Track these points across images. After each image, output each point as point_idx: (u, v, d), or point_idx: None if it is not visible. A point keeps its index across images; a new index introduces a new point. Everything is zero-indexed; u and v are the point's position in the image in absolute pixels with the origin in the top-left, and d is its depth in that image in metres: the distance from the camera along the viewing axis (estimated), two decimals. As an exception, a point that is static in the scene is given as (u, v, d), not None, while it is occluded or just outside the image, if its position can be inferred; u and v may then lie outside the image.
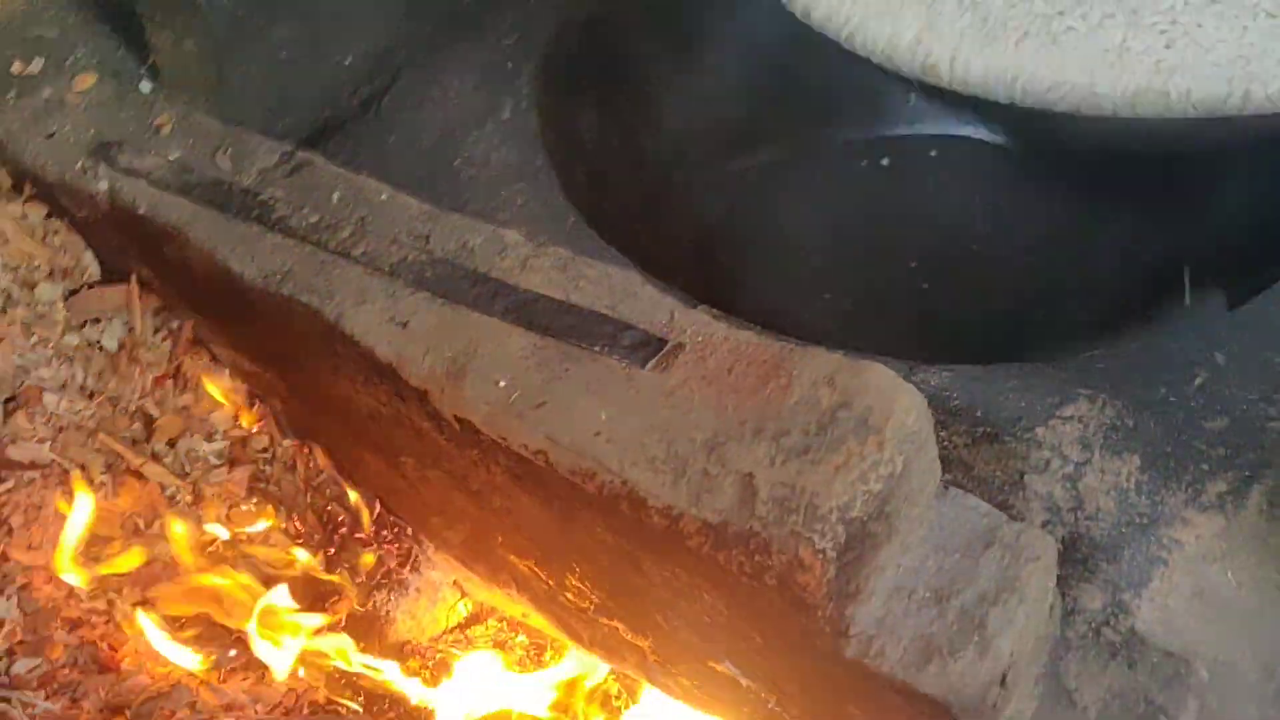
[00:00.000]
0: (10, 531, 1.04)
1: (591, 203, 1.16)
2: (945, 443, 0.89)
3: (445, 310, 0.87)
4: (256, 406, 1.19)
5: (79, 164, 1.09)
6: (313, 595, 1.14)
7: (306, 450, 1.19)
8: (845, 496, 0.68)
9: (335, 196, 0.98)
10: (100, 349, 1.15)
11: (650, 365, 0.78)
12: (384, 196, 0.97)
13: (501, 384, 0.81)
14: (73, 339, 1.14)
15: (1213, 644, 0.83)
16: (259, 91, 1.23)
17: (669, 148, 1.46)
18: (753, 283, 1.41)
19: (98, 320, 1.16)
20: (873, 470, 0.69)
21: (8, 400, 1.09)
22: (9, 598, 1.00)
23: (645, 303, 0.83)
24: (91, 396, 1.14)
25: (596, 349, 0.80)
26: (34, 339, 1.13)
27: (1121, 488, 0.88)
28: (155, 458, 1.14)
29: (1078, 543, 0.85)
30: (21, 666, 0.99)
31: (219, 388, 1.17)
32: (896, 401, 0.71)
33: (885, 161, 1.55)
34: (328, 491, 1.20)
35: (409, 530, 1.19)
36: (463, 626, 1.26)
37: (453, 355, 0.84)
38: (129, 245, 1.11)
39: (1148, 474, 0.88)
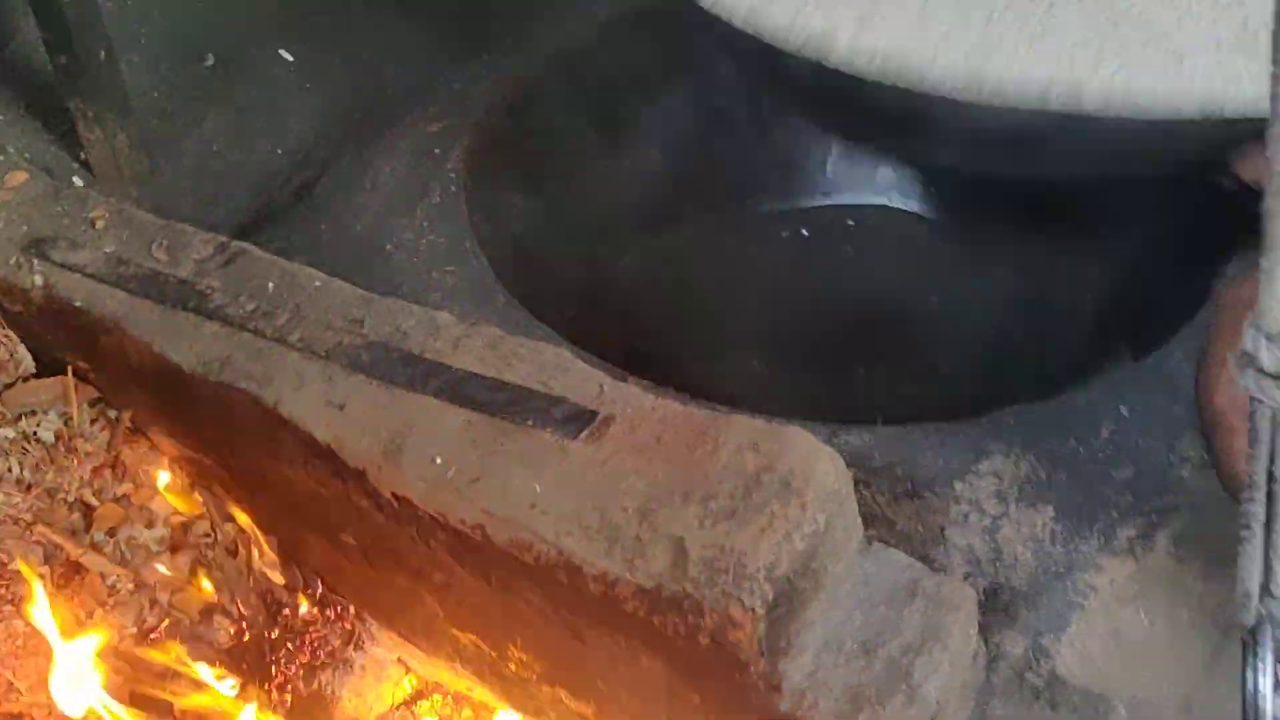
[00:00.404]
0: (-51, 628, 1.04)
1: (521, 281, 1.20)
2: (868, 500, 0.93)
3: (381, 391, 0.89)
4: (197, 492, 1.20)
5: (13, 259, 1.11)
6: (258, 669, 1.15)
7: (247, 534, 1.20)
8: (771, 556, 0.72)
9: (270, 284, 1.01)
10: (37, 441, 1.16)
11: (582, 437, 0.81)
12: (318, 283, 1.00)
13: (438, 461, 0.84)
14: (8, 432, 1.15)
15: (1130, 682, 0.87)
16: (192, 183, 1.26)
17: (596, 224, 1.51)
18: (682, 351, 1.44)
19: (33, 413, 1.17)
20: (796, 530, 0.73)
21: (-58, 496, 1.10)
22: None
23: (575, 377, 0.86)
24: (29, 489, 1.14)
25: (530, 423, 0.83)
26: (-30, 435, 1.13)
27: (1037, 538, 0.92)
28: (95, 547, 1.14)
29: (998, 591, 0.89)
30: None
31: (157, 475, 1.18)
32: (817, 463, 0.74)
33: (805, 232, 1.61)
34: (268, 575, 1.21)
35: (351, 609, 1.20)
36: (408, 703, 1.27)
37: (389, 435, 0.87)
38: (65, 338, 1.12)
39: (1061, 524, 0.93)
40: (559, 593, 0.81)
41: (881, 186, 1.62)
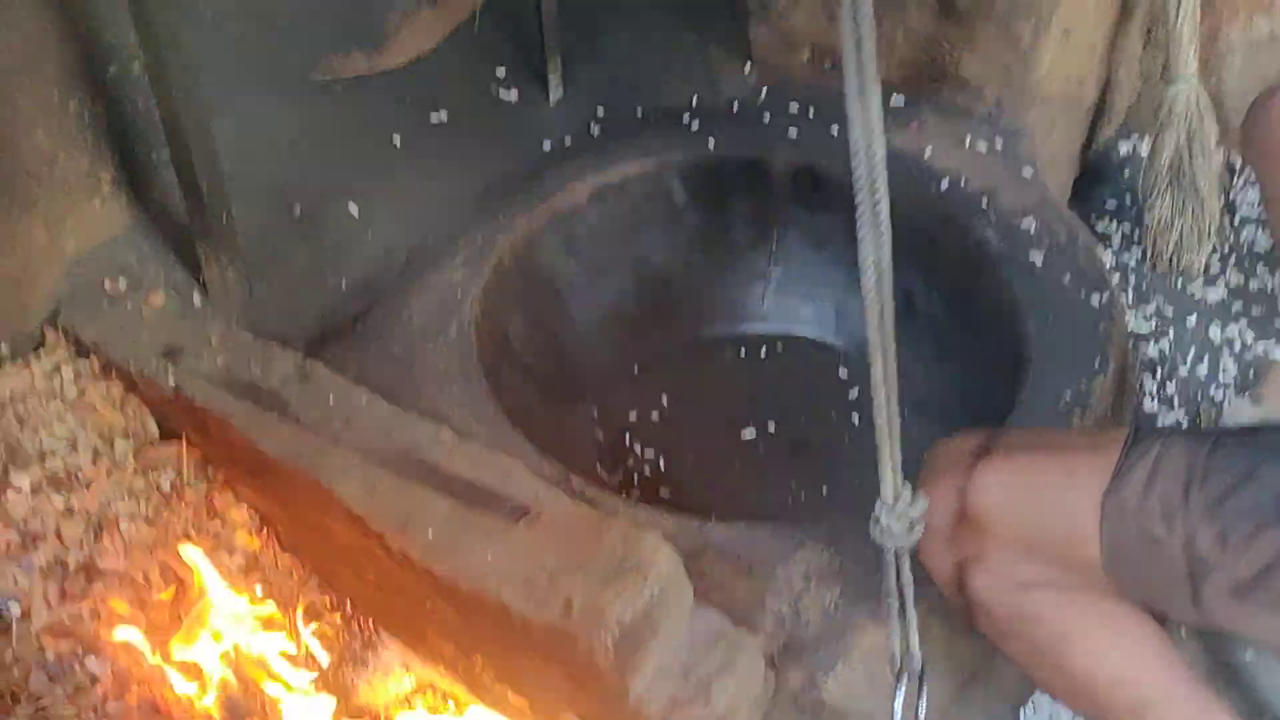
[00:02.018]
0: (99, 617, 1.51)
1: (509, 395, 1.66)
2: (717, 574, 1.39)
3: (399, 482, 1.37)
4: (264, 531, 1.67)
5: (154, 363, 1.59)
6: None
7: (300, 564, 1.67)
8: (620, 611, 1.18)
9: (331, 398, 1.48)
10: (158, 489, 1.64)
11: (520, 524, 1.28)
12: (364, 400, 1.48)
13: (430, 533, 1.31)
14: (139, 482, 1.63)
15: (875, 708, 1.31)
16: (278, 306, 1.74)
17: (578, 343, 1.98)
18: (632, 446, 1.92)
19: (156, 469, 1.65)
20: (638, 596, 1.19)
21: (96, 525, 1.58)
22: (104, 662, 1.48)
23: (522, 482, 1.33)
24: (150, 523, 1.62)
25: (489, 513, 1.30)
26: (113, 481, 1.61)
27: (826, 608, 1.37)
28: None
29: (792, 642, 1.35)
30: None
31: (239, 517, 1.66)
32: (657, 554, 1.21)
33: (742, 353, 2.07)
34: (313, 595, 1.68)
35: (370, 622, 1.66)
36: (409, 697, 1.72)
37: (401, 513, 1.34)
38: (185, 420, 1.60)
39: (845, 598, 1.37)
40: (501, 624, 1.27)
41: (807, 319, 2.07)
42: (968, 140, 1.96)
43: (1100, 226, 2.27)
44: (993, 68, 1.94)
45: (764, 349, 2.06)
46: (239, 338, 1.61)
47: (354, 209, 1.83)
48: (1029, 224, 1.82)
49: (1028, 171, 1.92)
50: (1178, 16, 2.04)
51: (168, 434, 1.68)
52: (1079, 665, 1.21)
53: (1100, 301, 1.70)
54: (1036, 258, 1.77)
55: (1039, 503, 1.18)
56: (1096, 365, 1.62)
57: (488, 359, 1.71)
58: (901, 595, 1.10)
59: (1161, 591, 1.15)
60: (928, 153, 1.93)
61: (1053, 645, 1.22)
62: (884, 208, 0.93)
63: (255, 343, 1.59)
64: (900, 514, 1.05)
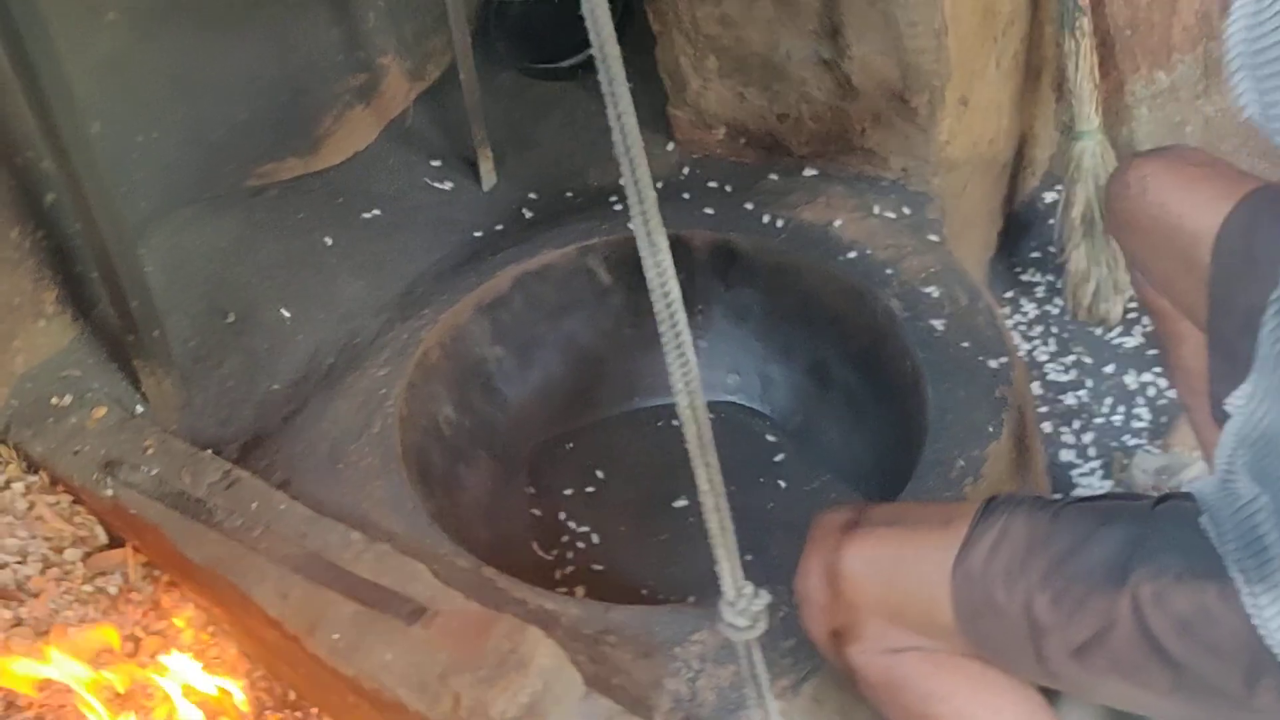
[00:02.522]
0: (44, 723, 1.60)
1: (429, 489, 1.75)
2: (616, 657, 1.46)
3: (310, 587, 1.45)
4: (210, 628, 1.75)
5: (94, 476, 1.68)
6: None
7: (245, 658, 1.76)
8: (504, 705, 1.26)
9: (254, 505, 1.57)
10: (106, 593, 1.72)
11: (417, 624, 1.36)
12: (283, 506, 1.56)
13: (335, 636, 1.39)
14: (88, 588, 1.72)
15: (768, 782, 1.38)
16: (214, 410, 1.84)
17: (511, 425, 2.06)
18: (567, 522, 1.99)
19: (104, 573, 1.74)
20: (521, 690, 1.26)
21: (45, 632, 1.67)
22: (45, 770, 1.56)
23: (422, 584, 1.41)
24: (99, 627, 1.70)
25: (390, 615, 1.38)
26: (62, 589, 1.70)
27: (721, 687, 1.44)
28: (142, 666, 1.70)
29: (688, 720, 1.42)
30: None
31: (184, 617, 1.74)
32: (538, 649, 1.28)
33: (674, 423, 2.13)
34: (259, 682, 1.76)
35: (314, 710, 1.74)
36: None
37: (311, 617, 1.42)
38: (126, 527, 1.70)
39: (739, 677, 1.44)
40: (401, 717, 1.35)
41: (733, 387, 2.15)
42: (876, 209, 2.03)
43: (1026, 276, 2.34)
44: (895, 138, 2.02)
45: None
46: (172, 447, 1.70)
47: (285, 313, 1.93)
48: (931, 290, 1.88)
49: (934, 237, 1.99)
50: (1077, 73, 2.11)
51: (116, 540, 1.77)
52: (947, 728, 1.27)
53: (998, 366, 1.77)
54: (938, 324, 1.84)
55: (898, 573, 1.24)
56: (991, 430, 1.68)
57: (414, 451, 1.79)
58: (757, 682, 1.17)
59: (1010, 654, 1.21)
60: (837, 224, 2.01)
61: (922, 708, 1.28)
62: (685, 335, 0.99)
63: (187, 451, 1.68)
64: (743, 609, 1.11)
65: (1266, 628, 1.06)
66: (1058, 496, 1.63)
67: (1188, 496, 1.16)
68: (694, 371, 1.01)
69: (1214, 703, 1.14)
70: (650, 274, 0.98)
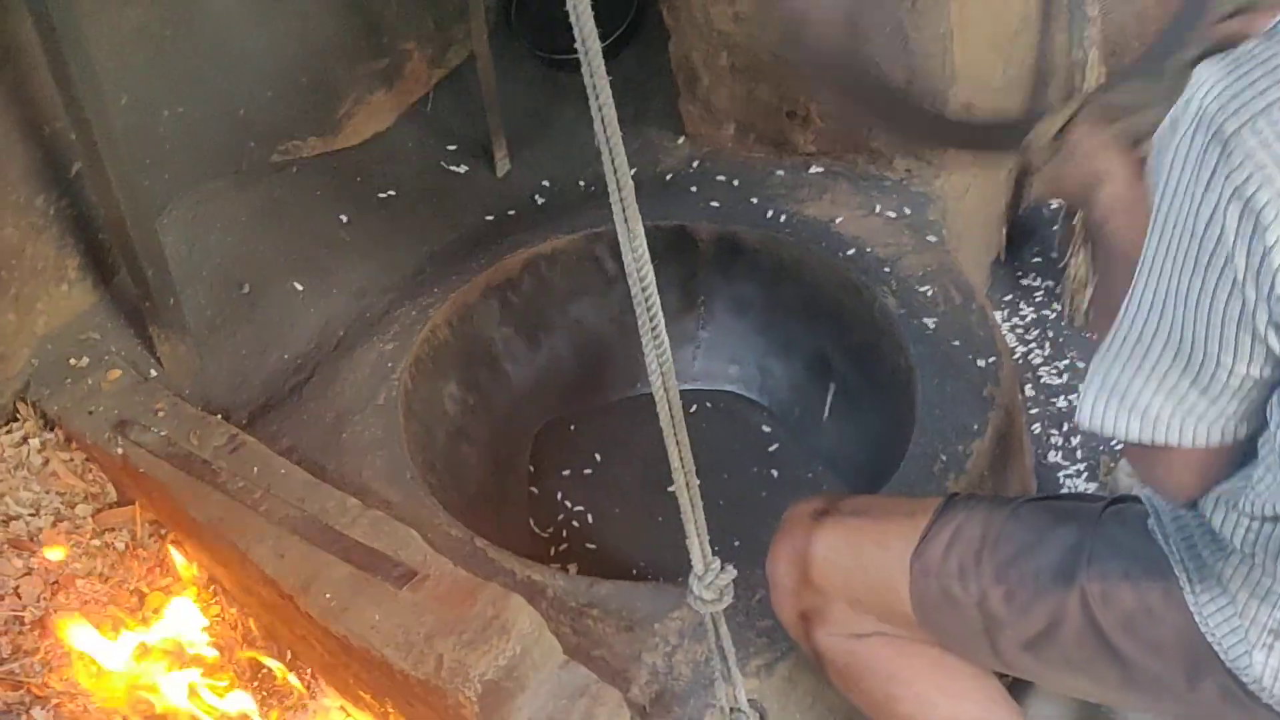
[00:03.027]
0: (50, 668, 1.67)
1: (428, 460, 1.80)
2: (598, 631, 1.51)
3: (306, 548, 1.51)
4: (212, 587, 1.82)
5: (106, 435, 1.75)
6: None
7: (244, 616, 1.82)
8: (484, 668, 1.31)
9: (255, 469, 1.63)
10: (114, 549, 1.79)
11: (406, 588, 1.41)
12: (283, 470, 1.62)
13: (328, 596, 1.44)
14: (97, 542, 1.78)
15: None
16: (227, 378, 1.90)
17: (514, 406, 2.11)
18: (564, 501, 2.05)
19: (113, 529, 1.80)
20: (501, 654, 1.32)
21: (54, 582, 1.73)
22: (49, 711, 1.63)
23: (414, 549, 1.47)
24: (106, 580, 1.77)
25: (380, 577, 1.44)
26: (73, 543, 1.77)
27: (696, 661, 1.49)
28: (145, 621, 1.77)
29: (663, 693, 1.47)
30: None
31: (189, 575, 1.81)
32: (519, 616, 1.34)
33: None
34: (258, 645, 1.82)
35: (309, 671, 1.80)
36: (348, 738, 1.87)
37: (306, 577, 1.48)
38: (135, 486, 1.76)
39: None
40: (388, 677, 1.41)
41: (733, 377, 2.19)
42: (878, 208, 2.07)
43: (1026, 280, 2.37)
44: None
45: (694, 406, 2.18)
46: (182, 410, 1.76)
47: (298, 286, 1.98)
48: (927, 289, 1.92)
49: (932, 238, 2.03)
50: (1084, 83, 2.14)
51: (125, 498, 1.83)
52: (908, 710, 1.32)
53: (986, 365, 1.81)
54: (930, 322, 1.88)
55: (861, 562, 1.29)
56: (976, 428, 1.72)
57: (417, 425, 1.85)
58: (723, 654, 1.22)
59: (966, 643, 1.26)
60: (839, 220, 2.05)
61: (885, 691, 1.33)
62: (659, 317, 1.04)
63: (195, 415, 1.75)
64: (710, 583, 1.16)
65: (1206, 625, 1.10)
66: (1016, 496, 1.66)
67: (1137, 500, 1.20)
68: (667, 352, 1.06)
69: (1161, 696, 1.18)
70: (627, 259, 1.02)
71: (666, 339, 1.05)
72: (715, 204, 2.14)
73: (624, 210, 1.00)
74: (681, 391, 2.18)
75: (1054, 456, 2.04)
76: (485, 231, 2.19)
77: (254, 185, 2.10)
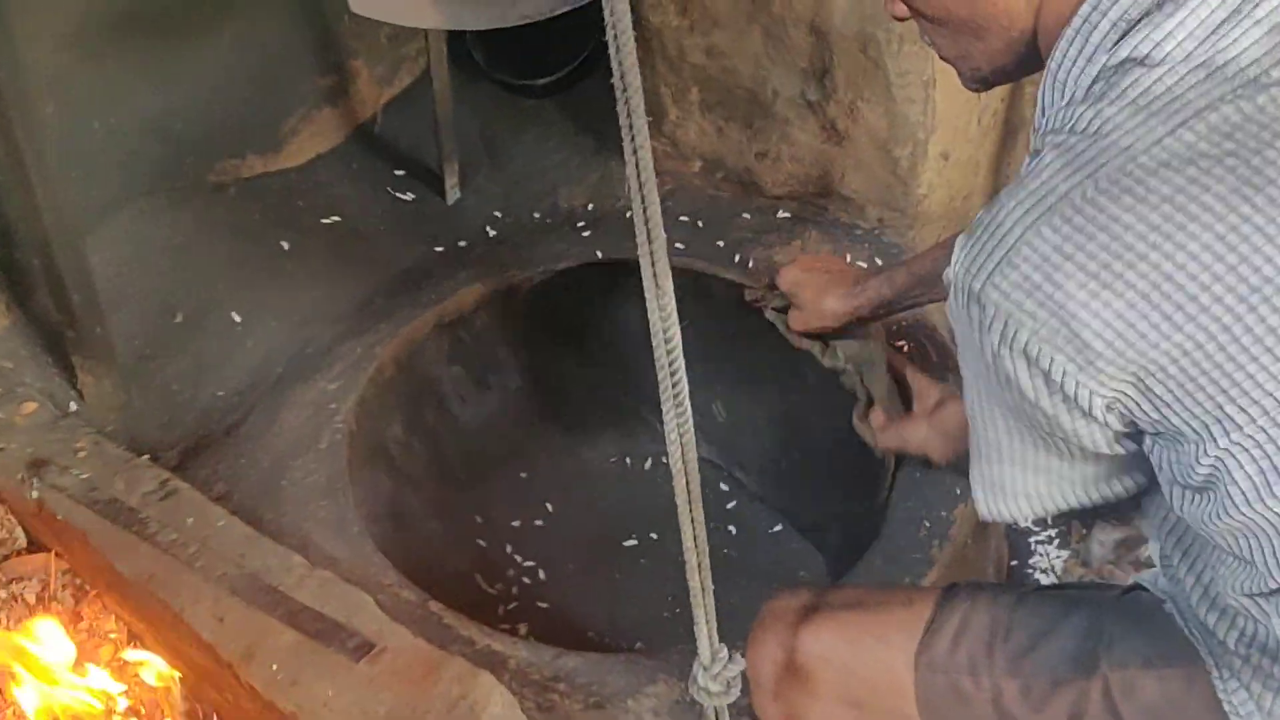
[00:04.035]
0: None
1: (376, 513, 1.67)
2: (566, 707, 1.40)
3: (247, 611, 1.37)
4: (133, 644, 1.66)
5: (19, 475, 1.59)
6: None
7: (172, 674, 1.66)
8: (451, 755, 1.19)
9: (190, 520, 1.49)
10: (22, 600, 1.63)
11: (362, 661, 1.29)
12: (221, 522, 1.48)
13: (274, 668, 1.31)
14: (1, 593, 1.62)
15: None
16: (155, 414, 1.75)
17: (462, 450, 1.99)
18: (514, 555, 1.93)
19: (21, 579, 1.64)
20: (470, 739, 1.20)
21: (-49, 636, 1.56)
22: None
23: (367, 617, 1.34)
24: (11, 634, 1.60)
25: (333, 648, 1.31)
26: (-25, 593, 1.60)
27: (673, 741, 1.38)
28: (55, 680, 1.61)
29: (637, 774, 1.36)
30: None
31: (108, 629, 1.65)
32: (492, 696, 1.22)
33: (628, 461, 2.09)
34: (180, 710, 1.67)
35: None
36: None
37: (248, 644, 1.34)
38: (49, 532, 1.60)
39: (691, 732, 1.39)
40: (338, 759, 1.28)
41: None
42: (849, 257, 2.00)
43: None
44: (874, 187, 1.99)
45: (649, 459, 2.08)
46: (106, 450, 1.61)
47: (236, 316, 1.84)
48: (902, 344, 1.85)
49: (906, 289, 1.96)
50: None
51: (35, 544, 1.67)
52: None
53: (966, 425, 1.74)
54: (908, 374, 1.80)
55: (860, 659, 1.21)
56: (958, 493, 1.65)
57: (362, 471, 1.72)
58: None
59: (978, 743, 1.18)
60: (810, 269, 1.97)
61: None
62: (683, 389, 0.94)
63: (121, 456, 1.60)
64: (717, 674, 1.07)
65: (1237, 713, 1.04)
66: (1018, 585, 1.61)
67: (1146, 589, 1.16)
68: (689, 424, 0.96)
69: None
70: (654, 318, 0.92)
71: (689, 408, 0.95)
72: (679, 245, 2.05)
73: (654, 267, 0.89)
74: (635, 442, 2.12)
75: (1025, 522, 1.98)
76: (435, 263, 2.06)
77: (190, 205, 1.95)
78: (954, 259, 0.93)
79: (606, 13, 0.82)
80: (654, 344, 0.94)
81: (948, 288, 0.95)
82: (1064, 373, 0.89)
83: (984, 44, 1.02)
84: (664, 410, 0.96)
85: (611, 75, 0.83)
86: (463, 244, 2.13)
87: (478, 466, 1.99)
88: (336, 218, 2.07)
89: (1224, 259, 0.84)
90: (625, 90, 0.84)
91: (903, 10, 1.08)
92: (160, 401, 1.76)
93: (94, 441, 1.62)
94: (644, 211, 0.88)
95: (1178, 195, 0.85)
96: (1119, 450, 0.97)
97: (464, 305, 1.97)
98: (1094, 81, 0.92)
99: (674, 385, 0.94)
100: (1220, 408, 0.88)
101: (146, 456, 1.65)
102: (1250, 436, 0.88)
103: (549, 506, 1.99)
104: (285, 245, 1.98)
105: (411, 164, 2.23)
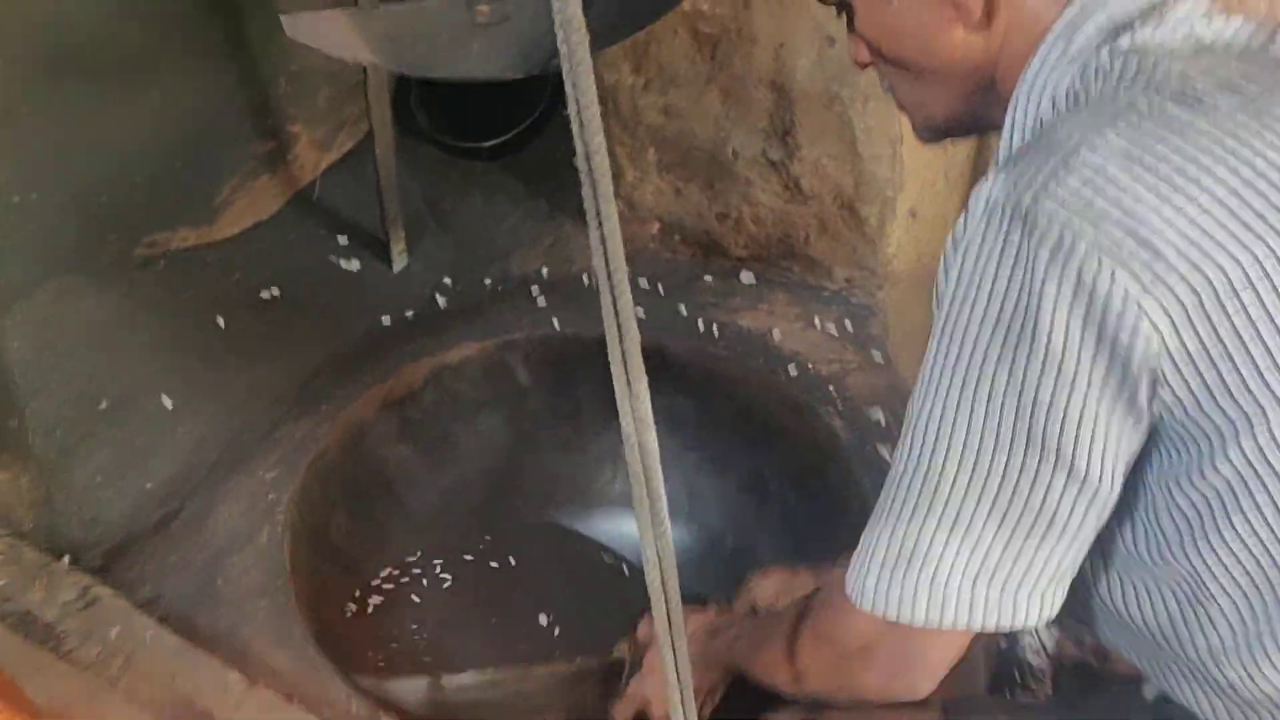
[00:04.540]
0: None
1: (318, 614, 1.55)
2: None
3: (177, 738, 1.24)
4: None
5: (-74, 585, 1.45)
6: None
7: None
8: None
9: (114, 632, 1.36)
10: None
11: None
12: (150, 634, 1.35)
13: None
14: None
15: None
16: (78, 510, 1.61)
17: (411, 538, 1.86)
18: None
19: (-72, 699, 1.49)
20: None
21: None
22: None
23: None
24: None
25: (271, 779, 1.18)
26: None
27: None
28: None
29: None
30: None
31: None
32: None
33: (587, 530, 1.98)
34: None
35: None
36: None
37: (177, 778, 1.21)
38: (-41, 647, 1.46)
39: None
40: None
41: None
42: (817, 320, 1.91)
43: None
44: (840, 248, 1.91)
45: (613, 555, 1.97)
46: (21, 553, 1.48)
47: (167, 401, 1.72)
48: (877, 414, 1.76)
49: (878, 355, 1.87)
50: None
51: (-54, 654, 1.53)
52: None
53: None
54: (885, 451, 1.71)
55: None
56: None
57: (304, 566, 1.60)
58: None
59: None
60: (776, 335, 1.88)
61: None
62: (662, 511, 0.84)
63: (38, 560, 1.46)
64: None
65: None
66: (1019, 701, 1.52)
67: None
68: (669, 545, 0.86)
69: None
70: (625, 421, 0.82)
71: (668, 525, 0.85)
72: (639, 312, 1.94)
73: (627, 376, 0.79)
74: (597, 517, 2.01)
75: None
76: (381, 336, 1.95)
77: (116, 282, 1.82)
78: (988, 186, 0.84)
79: (569, 86, 0.73)
80: (628, 456, 0.83)
81: (967, 226, 0.85)
82: (1125, 295, 0.79)
83: (941, 89, 1.00)
84: (639, 528, 0.85)
85: (563, 137, 0.74)
86: (410, 314, 2.02)
87: (431, 553, 1.87)
88: (275, 291, 1.95)
89: None
90: (592, 172, 0.74)
91: (865, 55, 1.04)
92: (83, 497, 1.62)
93: (9, 544, 1.49)
94: (614, 305, 0.78)
95: (1244, 109, 0.82)
96: (1118, 471, 0.85)
97: (413, 381, 1.86)
98: (1080, 77, 0.90)
99: (652, 504, 0.83)
100: None
101: (67, 558, 1.52)
102: None
103: (519, 600, 1.86)
104: (220, 322, 1.85)
105: (355, 231, 2.12)
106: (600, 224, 0.75)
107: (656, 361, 1.89)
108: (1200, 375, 0.81)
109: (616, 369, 0.80)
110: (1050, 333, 0.80)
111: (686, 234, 2.03)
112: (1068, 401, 0.82)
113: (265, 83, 2.00)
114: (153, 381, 1.74)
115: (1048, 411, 0.82)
